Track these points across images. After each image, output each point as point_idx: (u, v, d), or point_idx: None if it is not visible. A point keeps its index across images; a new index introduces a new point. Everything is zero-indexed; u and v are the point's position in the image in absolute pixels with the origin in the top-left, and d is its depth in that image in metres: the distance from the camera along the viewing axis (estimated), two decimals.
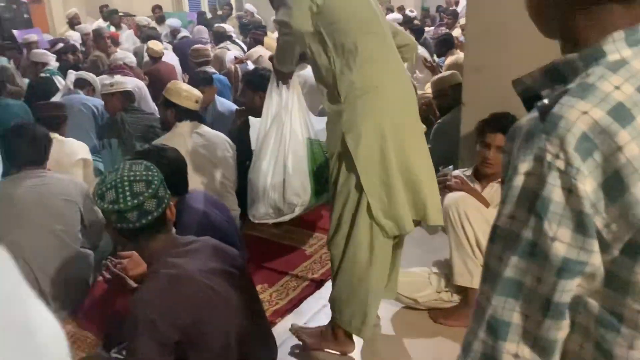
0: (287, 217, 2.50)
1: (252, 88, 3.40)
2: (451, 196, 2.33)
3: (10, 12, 8.86)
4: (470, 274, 2.28)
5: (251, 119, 2.75)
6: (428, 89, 5.91)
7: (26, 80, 5.69)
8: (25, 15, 9.13)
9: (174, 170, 2.10)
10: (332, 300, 2.12)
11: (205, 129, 3.08)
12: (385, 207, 1.95)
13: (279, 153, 2.31)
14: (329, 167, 2.05)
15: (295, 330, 2.29)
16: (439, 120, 3.46)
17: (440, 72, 5.50)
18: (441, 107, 3.59)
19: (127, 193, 1.48)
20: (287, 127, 2.32)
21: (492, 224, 0.71)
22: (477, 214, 2.24)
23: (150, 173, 1.55)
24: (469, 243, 2.26)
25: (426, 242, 2.70)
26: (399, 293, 2.44)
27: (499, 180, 2.38)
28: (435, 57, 6.24)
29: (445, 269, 2.46)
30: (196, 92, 3.12)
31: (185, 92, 3.07)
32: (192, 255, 1.58)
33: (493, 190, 2.38)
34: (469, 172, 2.49)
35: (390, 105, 1.95)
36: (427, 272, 2.52)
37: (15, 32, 8.06)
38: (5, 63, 6.87)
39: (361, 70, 1.91)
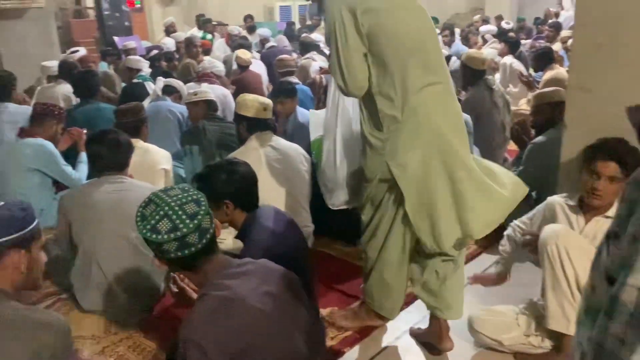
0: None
1: None
2: (550, 228, 2.07)
3: (113, 20, 9.40)
4: (566, 319, 2.00)
5: (312, 111, 2.61)
6: (522, 105, 5.56)
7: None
8: (126, 23, 9.65)
9: (244, 185, 2.01)
10: (366, 290, 2.37)
11: (280, 141, 2.99)
12: (427, 226, 2.04)
13: (353, 142, 2.26)
14: (365, 188, 2.16)
15: (329, 315, 2.51)
16: (533, 140, 3.16)
17: (537, 88, 5.15)
18: (537, 125, 3.29)
19: (184, 217, 1.42)
20: (355, 117, 2.25)
21: (609, 293, 0.54)
22: (580, 252, 1.97)
23: (191, 192, 1.50)
24: (568, 284, 1.99)
25: (515, 278, 2.44)
26: (481, 333, 2.21)
27: (606, 214, 2.09)
28: (531, 72, 5.87)
29: (537, 310, 2.19)
30: (263, 100, 3.04)
31: (251, 102, 3.01)
32: (245, 277, 1.49)
33: (598, 226, 2.09)
34: (572, 202, 2.21)
35: (433, 133, 1.98)
36: (515, 311, 2.26)
37: (116, 38, 8.51)
38: (105, 68, 7.26)
39: (403, 102, 1.95)
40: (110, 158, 2.62)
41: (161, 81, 4.74)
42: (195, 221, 1.42)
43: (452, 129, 2.02)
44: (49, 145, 3.53)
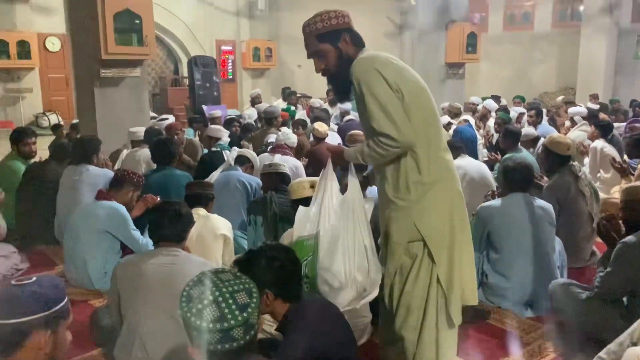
0: (371, 297, 2.27)
1: None
2: (632, 351, 1.77)
3: (203, 90, 9.95)
4: None
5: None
6: (615, 193, 5.10)
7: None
8: (215, 93, 10.17)
9: (285, 274, 1.88)
10: None
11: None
12: (458, 289, 2.15)
13: (355, 234, 2.17)
14: (393, 254, 2.18)
15: None
16: (624, 240, 2.79)
17: (632, 175, 4.72)
18: (629, 221, 2.93)
19: (234, 307, 1.33)
20: (357, 207, 2.20)
21: None
22: None
23: (244, 280, 1.41)
24: None
25: None
26: None
27: None
28: (625, 158, 5.43)
29: None
30: (308, 179, 3.24)
31: (297, 184, 3.25)
32: None
33: None
34: None
35: (453, 195, 2.17)
36: None
37: (204, 107, 8.94)
38: (191, 134, 7.57)
39: (428, 167, 2.11)
40: (168, 228, 2.59)
41: (235, 151, 4.83)
42: (245, 314, 1.33)
43: (462, 199, 2.23)
44: (122, 209, 3.64)
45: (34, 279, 1.52)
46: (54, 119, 11.28)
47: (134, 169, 4.50)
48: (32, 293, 1.47)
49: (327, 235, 2.15)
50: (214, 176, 4.41)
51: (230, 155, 4.72)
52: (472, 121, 7.66)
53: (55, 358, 1.52)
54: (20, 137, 4.81)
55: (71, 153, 4.58)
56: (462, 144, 4.82)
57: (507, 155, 4.83)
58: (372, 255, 2.20)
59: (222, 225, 3.39)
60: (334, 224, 2.16)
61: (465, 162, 4.58)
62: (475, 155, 5.93)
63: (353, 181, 2.25)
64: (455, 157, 4.61)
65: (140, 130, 5.57)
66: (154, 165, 4.85)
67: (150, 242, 3.57)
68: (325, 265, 2.11)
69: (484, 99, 9.09)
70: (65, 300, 1.54)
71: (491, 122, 7.52)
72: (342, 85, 2.20)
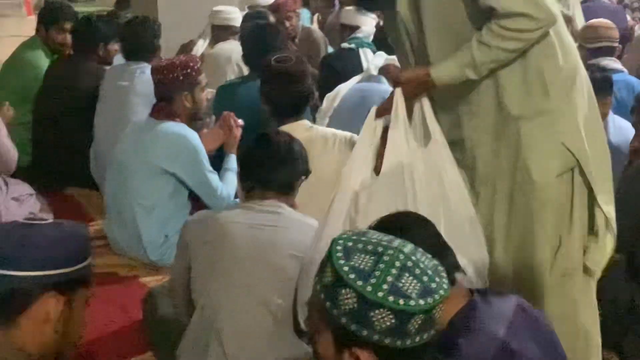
0: None
1: None
2: None
3: None
4: None
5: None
6: None
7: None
8: None
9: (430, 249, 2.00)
10: None
11: None
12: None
13: (457, 206, 2.50)
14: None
15: None
16: None
17: None
18: None
19: (418, 286, 1.47)
20: (447, 162, 2.53)
21: None
22: None
23: (428, 256, 1.58)
24: None
25: None
26: None
27: None
28: None
29: None
30: None
31: None
32: None
33: None
34: None
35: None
36: None
37: None
38: (307, 19, 7.70)
39: (564, 48, 2.43)
40: (271, 172, 2.73)
41: (381, 57, 4.93)
42: (430, 300, 1.46)
43: None
44: (194, 137, 3.87)
45: (51, 220, 1.75)
46: None
47: (219, 75, 4.78)
48: (48, 239, 1.65)
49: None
50: (342, 90, 4.59)
51: (373, 61, 4.85)
52: None
53: (67, 342, 1.71)
54: (56, 18, 5.14)
55: (120, 43, 4.86)
56: None
57: None
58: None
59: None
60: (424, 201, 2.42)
61: None
62: None
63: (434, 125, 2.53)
64: None
65: (229, 12, 5.78)
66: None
67: (232, 190, 3.86)
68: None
69: None
70: (89, 260, 1.73)
71: None
72: None
